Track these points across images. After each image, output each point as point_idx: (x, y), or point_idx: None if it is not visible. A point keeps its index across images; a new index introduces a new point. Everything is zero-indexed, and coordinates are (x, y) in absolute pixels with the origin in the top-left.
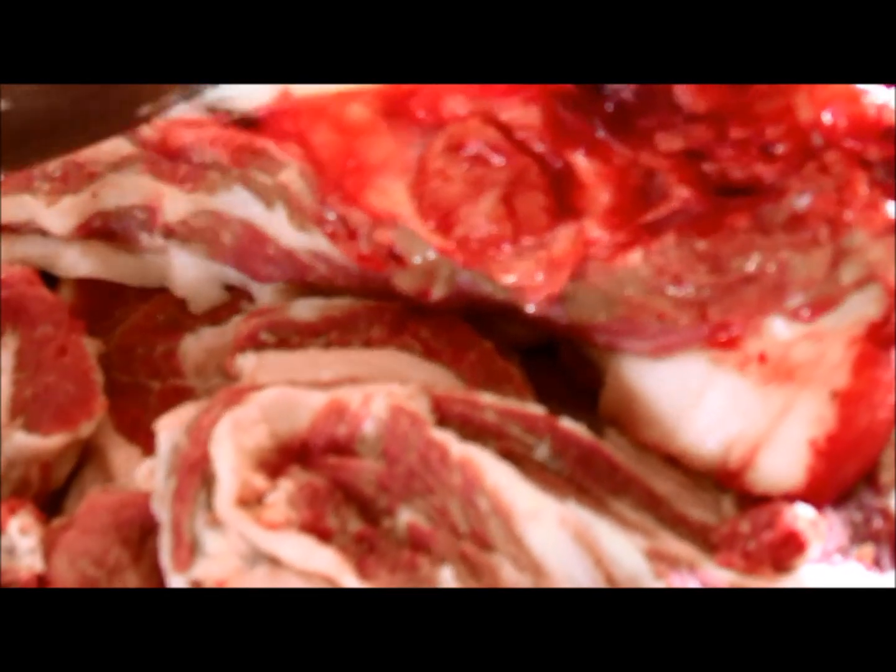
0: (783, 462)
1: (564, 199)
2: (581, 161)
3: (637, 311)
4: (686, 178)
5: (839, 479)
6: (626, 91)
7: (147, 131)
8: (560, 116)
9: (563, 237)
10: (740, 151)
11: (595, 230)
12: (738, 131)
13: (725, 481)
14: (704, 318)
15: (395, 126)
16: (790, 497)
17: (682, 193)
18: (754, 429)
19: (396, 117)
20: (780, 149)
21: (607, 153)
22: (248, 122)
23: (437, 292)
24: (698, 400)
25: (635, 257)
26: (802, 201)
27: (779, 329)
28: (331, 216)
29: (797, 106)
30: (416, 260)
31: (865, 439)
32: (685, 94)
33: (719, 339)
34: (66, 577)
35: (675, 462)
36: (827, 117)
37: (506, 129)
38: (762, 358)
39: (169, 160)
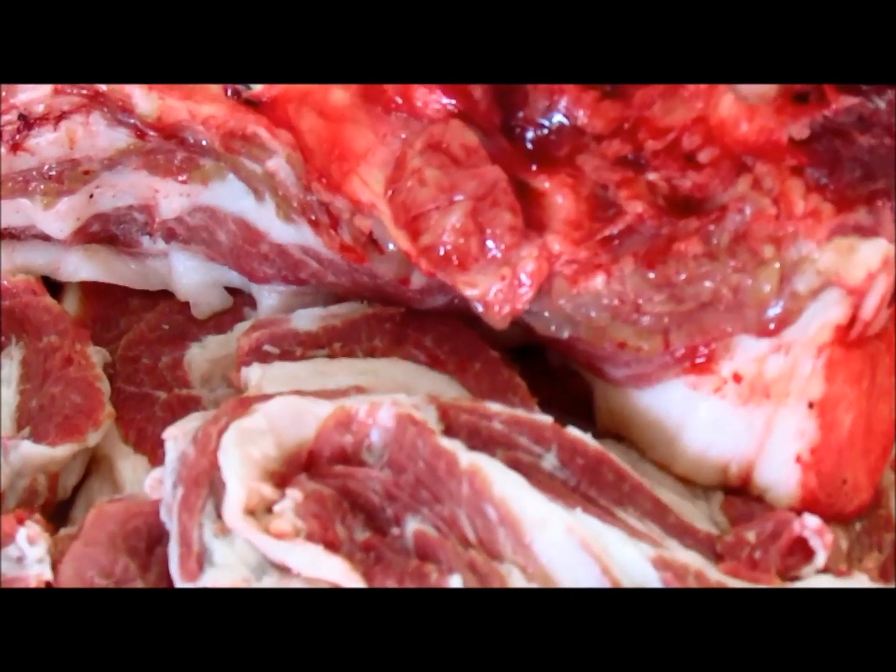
0: (776, 479)
1: (528, 213)
2: (536, 175)
3: (599, 336)
4: (636, 191)
5: (842, 489)
6: (534, 126)
7: (143, 106)
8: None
9: (527, 255)
10: (667, 162)
11: (557, 244)
12: (654, 143)
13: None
14: (667, 346)
15: (373, 113)
16: (793, 511)
17: (635, 208)
18: (743, 449)
19: (374, 102)
20: (703, 156)
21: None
22: (254, 103)
23: (417, 280)
24: (683, 427)
25: (597, 283)
26: (742, 218)
27: (747, 346)
28: (314, 204)
29: (707, 114)
30: (391, 247)
31: (857, 439)
32: (582, 117)
33: (691, 365)
34: (73, 586)
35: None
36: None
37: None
38: (737, 377)
39: (164, 138)
